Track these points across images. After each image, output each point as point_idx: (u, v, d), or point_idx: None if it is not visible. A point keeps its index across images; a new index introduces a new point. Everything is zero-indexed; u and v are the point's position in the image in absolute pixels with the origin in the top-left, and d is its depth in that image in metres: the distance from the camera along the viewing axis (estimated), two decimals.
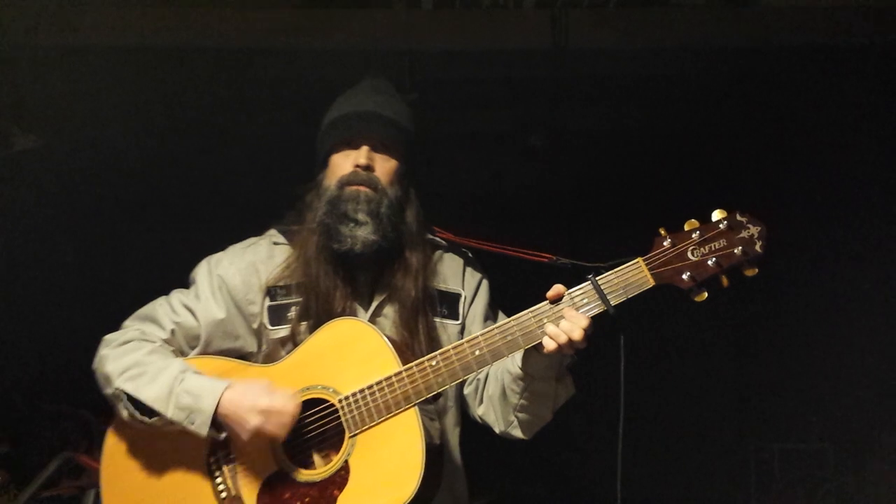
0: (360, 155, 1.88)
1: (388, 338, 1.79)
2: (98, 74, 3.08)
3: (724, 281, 1.68)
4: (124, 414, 1.79)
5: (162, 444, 1.82)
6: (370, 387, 1.74)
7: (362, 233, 1.83)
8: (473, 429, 2.06)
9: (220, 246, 2.12)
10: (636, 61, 3.35)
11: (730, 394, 4.62)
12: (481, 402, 1.95)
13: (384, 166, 1.90)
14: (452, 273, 2.00)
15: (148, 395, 1.75)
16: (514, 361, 1.81)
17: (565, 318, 1.69)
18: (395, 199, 1.89)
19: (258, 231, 2.09)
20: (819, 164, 3.75)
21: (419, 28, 3.20)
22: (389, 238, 1.86)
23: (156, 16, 3.05)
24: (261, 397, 1.72)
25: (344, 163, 1.89)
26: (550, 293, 1.71)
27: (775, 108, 3.63)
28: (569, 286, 1.73)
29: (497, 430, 1.93)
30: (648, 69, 3.41)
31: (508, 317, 1.93)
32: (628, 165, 3.89)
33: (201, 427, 1.73)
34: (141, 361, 1.80)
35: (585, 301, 1.70)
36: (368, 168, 1.88)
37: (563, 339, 1.67)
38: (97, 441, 3.21)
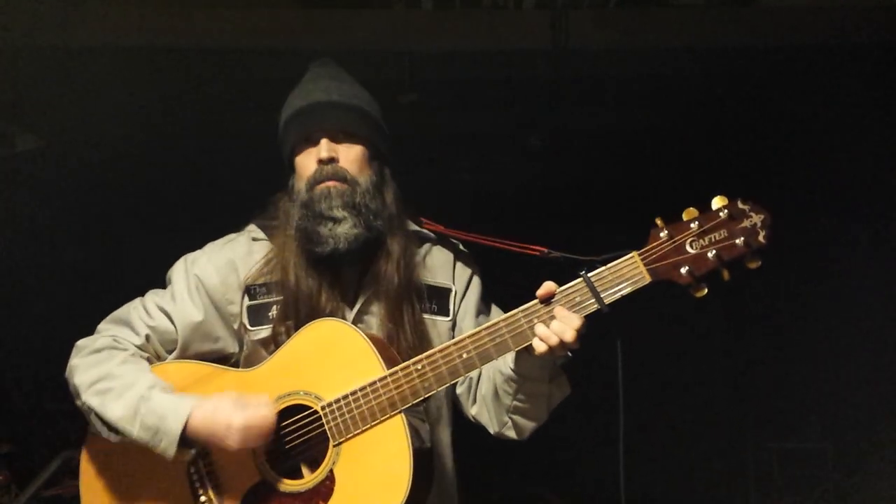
0: (321, 149, 1.78)
1: (373, 337, 1.72)
2: (98, 74, 3.08)
3: (726, 275, 1.57)
4: (94, 427, 1.74)
5: (141, 456, 1.74)
6: (354, 393, 1.66)
7: (343, 229, 1.74)
8: (466, 429, 1.98)
9: None
10: (636, 61, 3.35)
11: (728, 393, 4.62)
12: (475, 401, 1.88)
13: (348, 154, 1.80)
14: (442, 267, 1.91)
15: (113, 414, 1.69)
16: (505, 362, 1.74)
17: (557, 319, 1.60)
18: (368, 185, 1.79)
19: None
20: (819, 163, 3.75)
21: (419, 28, 3.20)
22: (374, 227, 1.78)
23: (156, 16, 3.04)
24: (234, 414, 1.64)
25: (308, 161, 1.80)
26: (540, 291, 1.62)
27: (775, 108, 3.63)
28: (565, 280, 1.63)
29: (492, 431, 1.86)
30: (648, 69, 3.41)
31: (503, 311, 1.87)
32: (628, 165, 3.89)
33: (168, 448, 1.66)
34: (110, 374, 1.73)
35: (578, 299, 1.60)
36: (332, 160, 1.78)
37: (554, 340, 1.58)
38: None
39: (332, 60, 1.95)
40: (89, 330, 1.86)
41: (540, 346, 1.60)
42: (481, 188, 3.95)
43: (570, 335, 1.58)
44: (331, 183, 1.76)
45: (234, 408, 1.65)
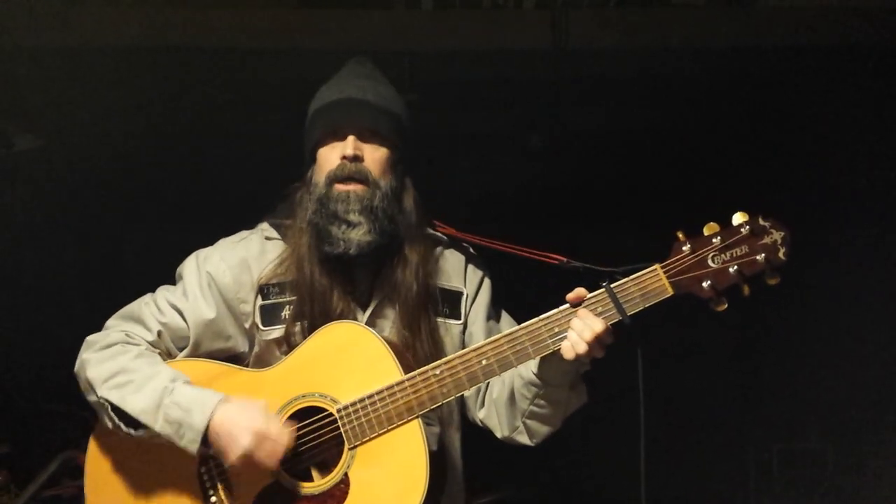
0: (347, 145, 1.75)
1: (389, 342, 1.70)
2: (98, 74, 3.08)
3: (746, 290, 1.56)
4: (108, 424, 1.69)
5: (150, 454, 1.72)
6: (370, 396, 1.64)
7: (356, 235, 1.72)
8: (473, 431, 1.98)
9: None
10: (636, 61, 3.35)
11: (729, 394, 4.62)
12: (483, 405, 1.87)
13: (374, 155, 1.77)
14: (454, 270, 1.89)
15: (134, 407, 1.64)
16: (527, 367, 1.71)
17: (580, 318, 1.58)
18: (388, 189, 1.76)
19: None
20: (819, 164, 3.75)
21: (419, 28, 3.20)
22: (387, 233, 1.75)
23: (155, 16, 3.04)
24: (257, 418, 1.61)
25: (331, 155, 1.77)
26: (571, 296, 1.61)
27: (775, 108, 3.63)
28: (571, 288, 1.62)
29: (499, 435, 1.85)
30: (649, 69, 3.41)
31: (511, 315, 1.90)
32: (628, 166, 3.89)
33: (191, 443, 1.62)
34: (127, 368, 1.68)
35: (600, 310, 1.59)
36: (357, 158, 1.75)
37: (581, 348, 1.57)
38: None
39: (371, 60, 1.93)
40: (89, 330, 1.84)
41: (568, 353, 1.58)
42: (481, 188, 3.95)
43: (588, 335, 1.56)
44: (351, 186, 1.74)
45: (258, 414, 1.62)
